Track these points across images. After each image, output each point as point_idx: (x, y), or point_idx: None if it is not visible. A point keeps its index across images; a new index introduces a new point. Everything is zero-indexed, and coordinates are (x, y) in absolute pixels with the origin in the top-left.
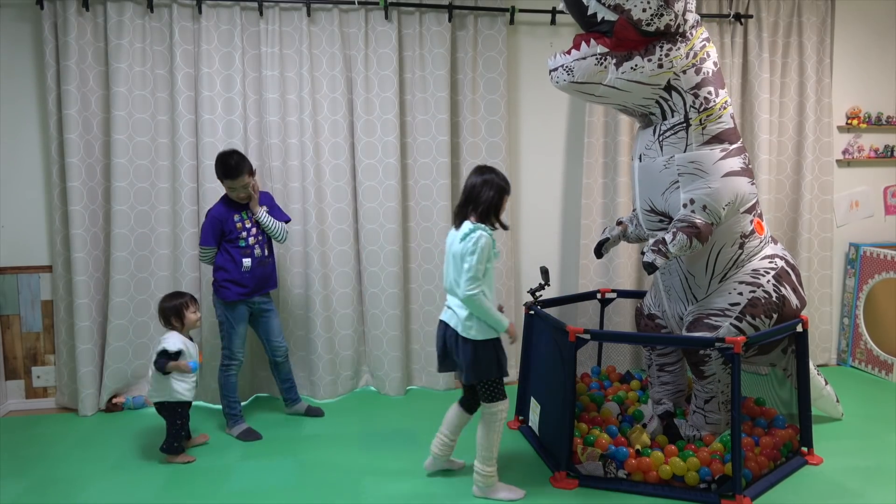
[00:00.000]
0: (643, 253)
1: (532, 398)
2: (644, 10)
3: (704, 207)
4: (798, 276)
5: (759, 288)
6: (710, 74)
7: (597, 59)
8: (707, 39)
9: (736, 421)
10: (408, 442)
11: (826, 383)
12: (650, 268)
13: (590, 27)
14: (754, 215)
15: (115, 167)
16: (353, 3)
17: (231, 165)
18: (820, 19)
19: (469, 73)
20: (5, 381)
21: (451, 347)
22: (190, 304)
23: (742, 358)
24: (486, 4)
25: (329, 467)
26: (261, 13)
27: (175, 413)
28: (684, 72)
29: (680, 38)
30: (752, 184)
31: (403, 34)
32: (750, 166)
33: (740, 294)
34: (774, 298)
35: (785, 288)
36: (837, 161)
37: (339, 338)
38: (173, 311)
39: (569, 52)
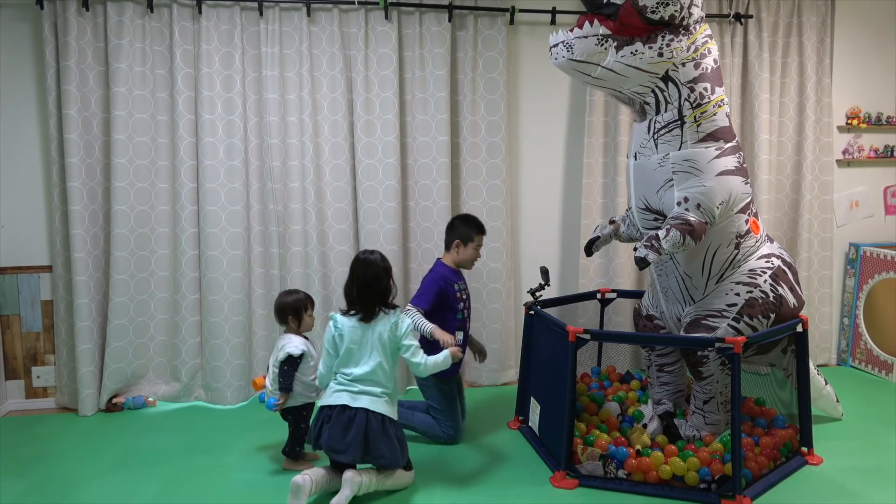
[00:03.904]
0: (636, 248)
1: (532, 398)
2: None
3: (698, 206)
4: (795, 274)
5: (755, 288)
6: (709, 71)
7: (598, 39)
8: (710, 36)
9: (736, 421)
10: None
11: (826, 383)
12: (642, 263)
13: (595, 9)
14: (749, 215)
15: (115, 167)
16: (353, 3)
17: (481, 222)
18: (820, 19)
19: (469, 73)
20: (5, 381)
21: (376, 436)
22: (308, 305)
23: (741, 358)
24: (486, 4)
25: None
26: (261, 13)
27: (301, 416)
28: (683, 64)
29: (683, 31)
30: (747, 183)
31: (403, 34)
32: (744, 165)
33: (737, 295)
34: (771, 298)
35: (782, 287)
36: (837, 161)
37: None
38: (292, 308)
39: (571, 31)
